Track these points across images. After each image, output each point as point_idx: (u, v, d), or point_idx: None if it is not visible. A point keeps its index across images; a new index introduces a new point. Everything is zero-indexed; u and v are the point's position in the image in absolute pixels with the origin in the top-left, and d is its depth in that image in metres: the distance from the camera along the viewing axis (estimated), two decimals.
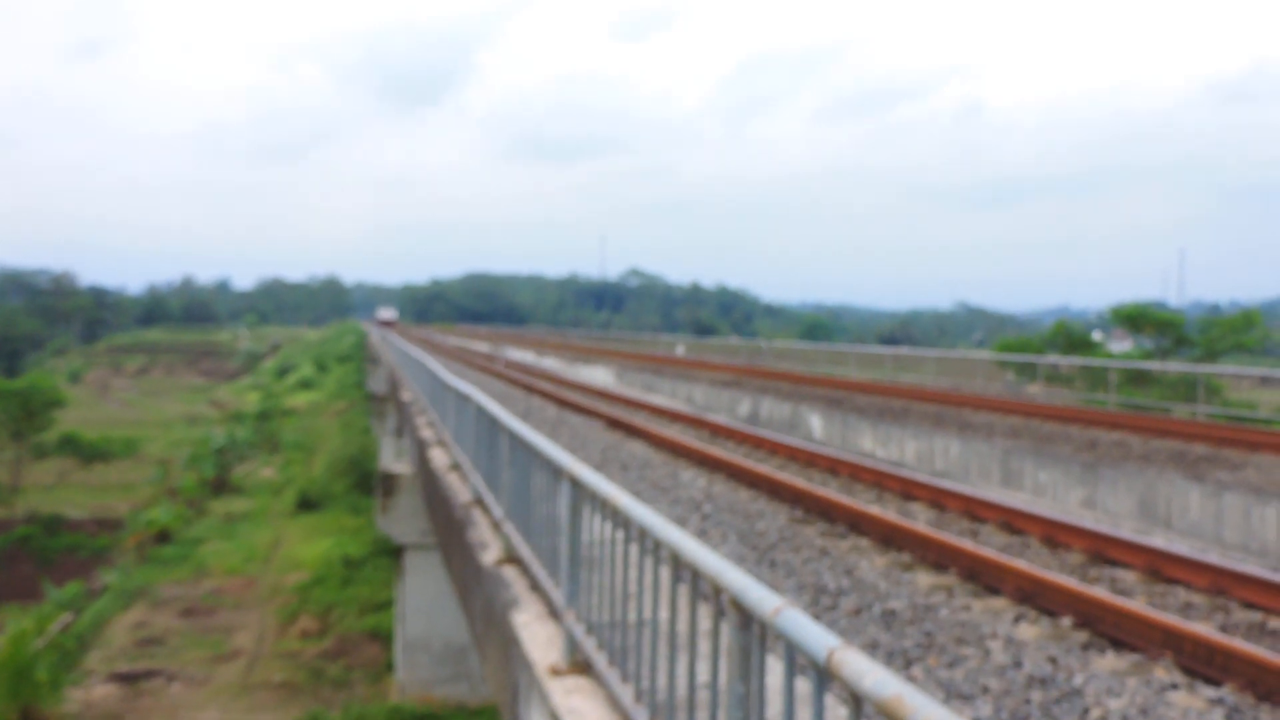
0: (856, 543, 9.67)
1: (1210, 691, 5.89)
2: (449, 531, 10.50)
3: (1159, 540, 10.54)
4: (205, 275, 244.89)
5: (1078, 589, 7.32)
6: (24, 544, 42.15)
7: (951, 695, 5.81)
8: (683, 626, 3.98)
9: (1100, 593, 7.33)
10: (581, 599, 4.92)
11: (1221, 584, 8.04)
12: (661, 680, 3.76)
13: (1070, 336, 38.43)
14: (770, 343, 48.05)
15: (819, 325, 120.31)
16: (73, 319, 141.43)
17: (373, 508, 29.41)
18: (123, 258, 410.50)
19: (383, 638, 26.35)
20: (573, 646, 4.99)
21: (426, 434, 15.38)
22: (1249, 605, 7.71)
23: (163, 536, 38.34)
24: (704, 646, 3.53)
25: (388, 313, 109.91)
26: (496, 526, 7.79)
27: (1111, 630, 6.83)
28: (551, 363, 44.53)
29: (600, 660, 4.51)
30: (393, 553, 24.75)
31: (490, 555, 7.52)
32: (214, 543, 37.29)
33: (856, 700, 2.22)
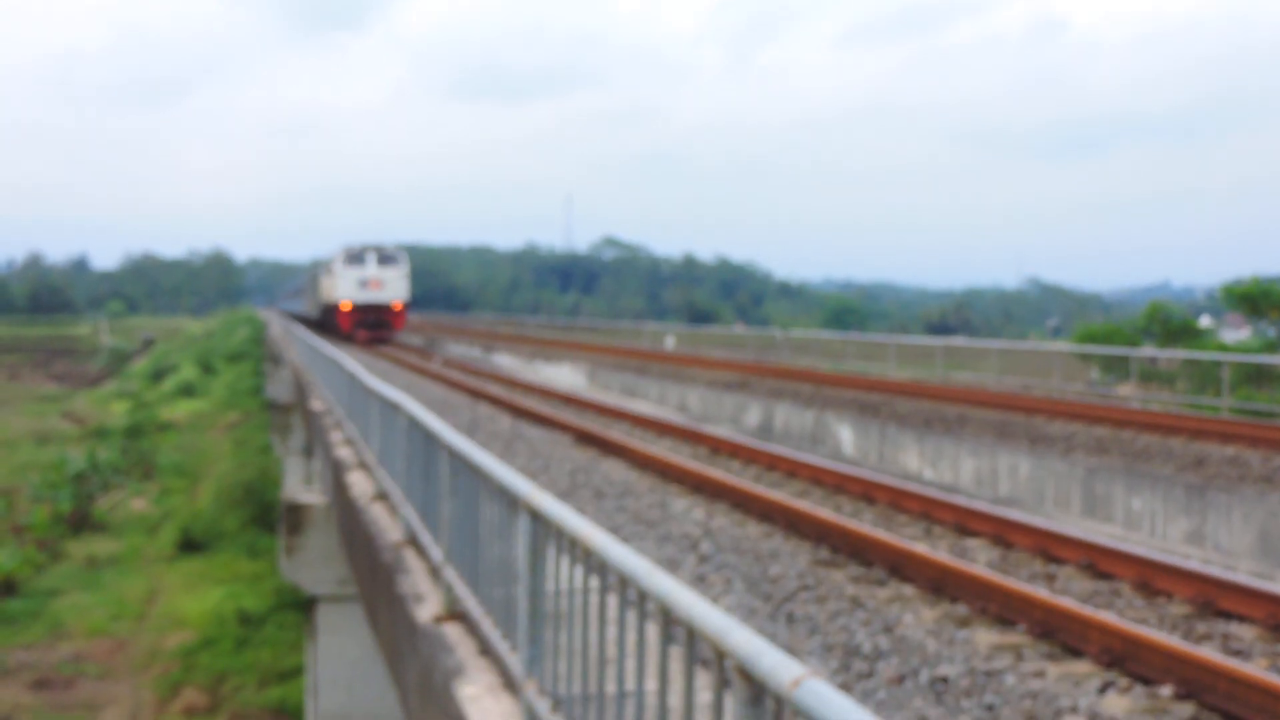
0: (898, 591, 9.68)
1: None
2: (374, 579, 10.46)
3: None
4: (57, 252, 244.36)
5: (1182, 650, 7.34)
6: None
7: None
8: (675, 700, 3.96)
9: (1211, 655, 7.35)
10: (546, 665, 4.90)
11: None
12: None
13: (1171, 322, 38.61)
14: (787, 332, 48.11)
15: (849, 309, 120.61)
16: None
17: (275, 549, 29.30)
18: None
19: (290, 714, 26.29)
20: None
21: (343, 453, 15.34)
22: None
23: (7, 587, 38.09)
24: None
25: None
26: (435, 572, 7.76)
27: (1225, 703, 6.85)
28: (504, 360, 44.46)
29: None
30: (302, 606, 24.67)
31: (427, 610, 7.49)
32: (73, 595, 37.07)
33: None
